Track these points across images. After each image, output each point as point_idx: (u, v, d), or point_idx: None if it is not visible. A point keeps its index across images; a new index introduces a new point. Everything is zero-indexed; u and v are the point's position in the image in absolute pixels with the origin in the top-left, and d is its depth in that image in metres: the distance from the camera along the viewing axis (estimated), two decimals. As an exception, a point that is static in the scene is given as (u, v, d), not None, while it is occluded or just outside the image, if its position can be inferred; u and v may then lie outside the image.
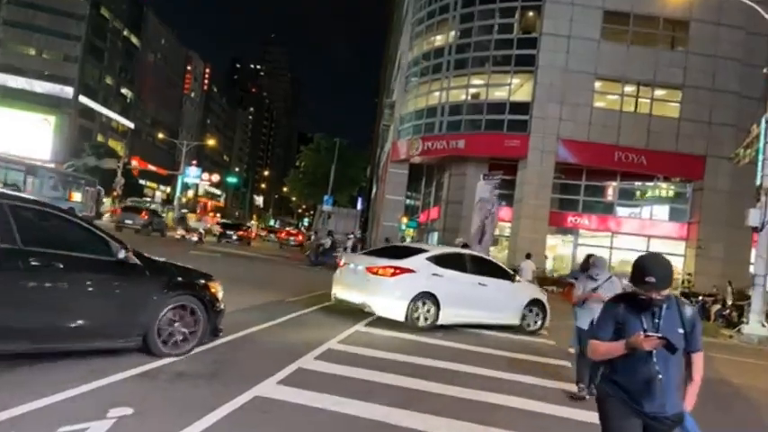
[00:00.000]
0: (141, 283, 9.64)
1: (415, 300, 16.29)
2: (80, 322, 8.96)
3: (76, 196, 47.53)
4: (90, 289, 9.08)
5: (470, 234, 40.21)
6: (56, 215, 9.12)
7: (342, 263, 18.03)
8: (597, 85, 49.26)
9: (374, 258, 17.07)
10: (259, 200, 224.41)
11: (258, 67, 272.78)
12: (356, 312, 17.12)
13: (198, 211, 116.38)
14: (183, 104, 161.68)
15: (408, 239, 59.91)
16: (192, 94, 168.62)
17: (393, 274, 16.18)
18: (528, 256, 29.56)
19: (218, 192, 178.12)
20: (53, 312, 8.66)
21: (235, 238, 58.72)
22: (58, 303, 8.69)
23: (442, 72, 55.03)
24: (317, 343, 13.16)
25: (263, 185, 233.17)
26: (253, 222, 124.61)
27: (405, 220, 63.32)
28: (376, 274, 16.28)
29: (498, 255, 48.49)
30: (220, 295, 10.84)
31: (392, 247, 19.85)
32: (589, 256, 12.08)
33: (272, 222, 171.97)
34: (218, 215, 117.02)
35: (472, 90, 53.15)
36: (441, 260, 16.96)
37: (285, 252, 55.97)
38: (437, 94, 55.54)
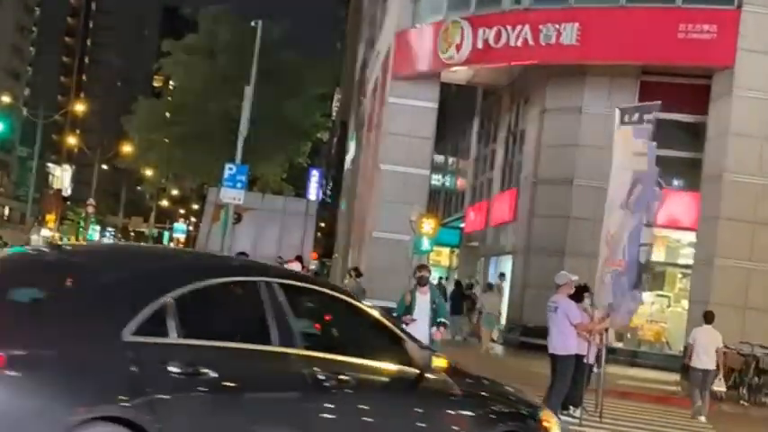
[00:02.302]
0: (449, 410, 7.79)
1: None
2: None
3: None
4: (381, 419, 7.18)
5: (601, 261, 18.42)
6: (330, 296, 7.53)
7: None
8: None
9: None
10: (61, 173, 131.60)
11: None
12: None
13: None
14: None
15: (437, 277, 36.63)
16: None
17: None
18: (709, 319, 18.94)
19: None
20: None
21: None
22: None
23: None
24: None
25: (70, 140, 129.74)
26: (45, 231, 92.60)
27: (428, 225, 32.15)
28: None
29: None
30: None
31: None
32: None
33: (94, 232, 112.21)
34: None
35: None
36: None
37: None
38: None
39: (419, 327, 14.75)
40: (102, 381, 5.62)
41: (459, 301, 34.96)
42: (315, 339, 7.21)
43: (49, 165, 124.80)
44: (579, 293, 15.67)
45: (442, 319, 16.00)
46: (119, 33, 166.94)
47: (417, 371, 7.38)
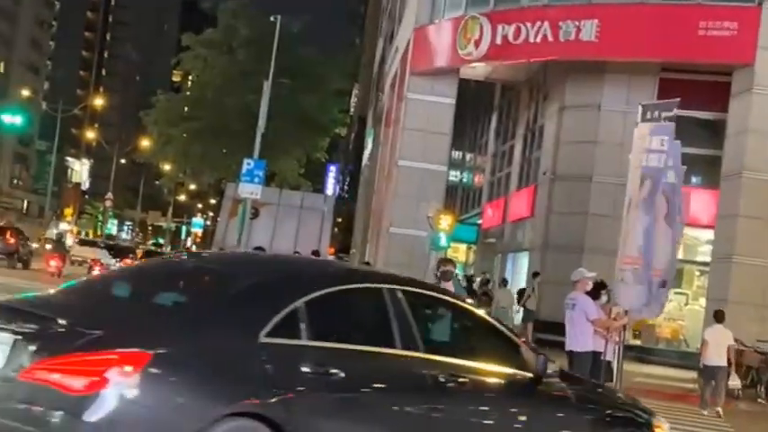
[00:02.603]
0: (565, 414, 7.94)
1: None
2: None
3: None
4: (499, 421, 7.45)
5: (619, 258, 17.68)
6: (448, 303, 7.92)
7: None
8: None
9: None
10: (80, 167, 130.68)
11: None
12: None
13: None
14: None
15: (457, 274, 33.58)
16: None
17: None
18: (719, 318, 19.23)
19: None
20: None
21: None
22: None
23: None
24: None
25: (89, 134, 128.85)
26: (63, 225, 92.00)
27: (445, 222, 32.80)
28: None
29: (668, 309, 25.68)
30: None
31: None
32: None
33: (112, 226, 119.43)
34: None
35: None
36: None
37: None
38: None
39: None
40: (240, 379, 5.95)
41: (469, 296, 34.92)
42: (435, 343, 7.47)
43: (68, 159, 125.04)
44: (597, 290, 15.55)
45: None
46: (138, 28, 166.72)
47: (532, 375, 7.61)
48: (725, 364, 18.62)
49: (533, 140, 36.52)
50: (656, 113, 19.10)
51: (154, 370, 5.60)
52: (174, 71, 72.75)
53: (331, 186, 69.01)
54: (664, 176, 17.73)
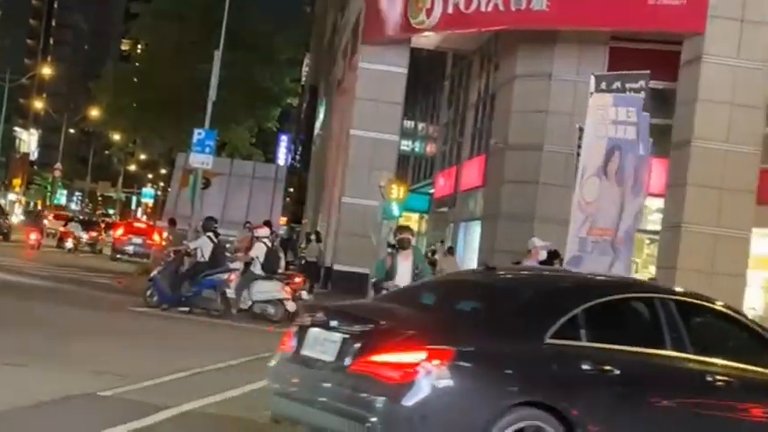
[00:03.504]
0: None
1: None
2: None
3: None
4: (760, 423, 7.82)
5: (575, 228, 17.73)
6: (715, 310, 8.39)
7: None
8: None
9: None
10: (28, 137, 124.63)
11: None
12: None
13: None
14: None
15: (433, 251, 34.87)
16: None
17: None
18: None
19: None
20: None
21: None
22: None
23: None
24: None
25: (37, 104, 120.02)
26: (11, 195, 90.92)
27: (397, 191, 32.68)
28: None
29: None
30: None
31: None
32: None
33: (61, 197, 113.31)
34: None
35: None
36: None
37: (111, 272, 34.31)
38: None
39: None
40: (528, 373, 6.90)
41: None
42: (702, 346, 7.97)
43: (16, 129, 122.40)
44: (550, 259, 15.51)
45: None
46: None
47: None
48: None
49: (485, 110, 36.26)
50: (617, 84, 19.10)
51: (457, 364, 6.60)
52: (124, 40, 71.29)
53: (283, 156, 68.62)
54: (634, 148, 17.72)
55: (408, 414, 6.35)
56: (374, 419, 6.38)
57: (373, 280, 13.81)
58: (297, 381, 7.21)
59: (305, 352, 7.18)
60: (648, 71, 19.14)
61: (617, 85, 18.83)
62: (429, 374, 6.37)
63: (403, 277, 14.26)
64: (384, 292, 11.71)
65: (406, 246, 14.92)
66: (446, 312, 7.78)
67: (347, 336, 6.90)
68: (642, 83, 18.72)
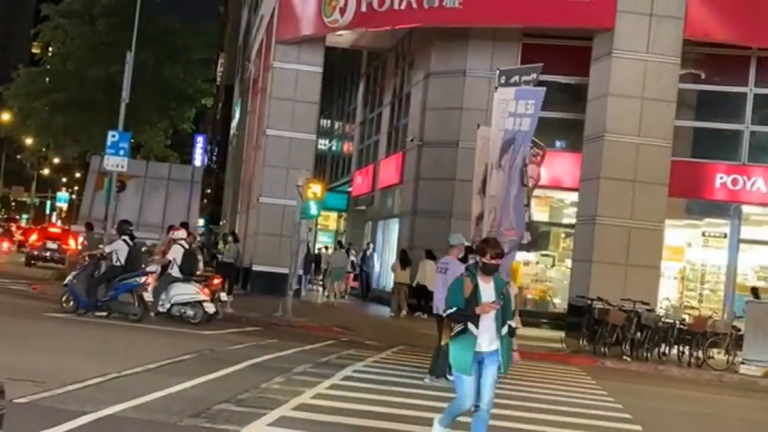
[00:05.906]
0: None
1: None
2: None
3: None
4: None
5: (487, 222, 18.26)
6: None
7: None
8: None
9: None
10: None
11: None
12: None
13: None
14: None
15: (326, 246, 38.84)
16: None
17: None
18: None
19: None
20: None
21: None
22: None
23: None
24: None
25: None
26: None
27: (315, 190, 29.32)
28: None
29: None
30: None
31: None
32: None
33: None
34: None
35: None
36: None
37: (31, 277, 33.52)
38: None
39: (486, 325, 9.09)
40: None
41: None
42: None
43: None
44: (465, 254, 15.42)
45: (512, 324, 9.41)
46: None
47: None
48: None
49: (401, 107, 36.40)
50: (515, 78, 19.22)
51: None
52: (34, 43, 69.85)
53: (199, 157, 67.80)
54: (527, 140, 17.87)
55: None
56: None
57: (451, 310, 9.24)
58: None
59: None
60: (541, 64, 19.17)
61: (515, 78, 18.92)
62: None
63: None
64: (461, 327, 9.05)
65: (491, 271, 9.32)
66: None
67: None
68: (534, 75, 18.82)
